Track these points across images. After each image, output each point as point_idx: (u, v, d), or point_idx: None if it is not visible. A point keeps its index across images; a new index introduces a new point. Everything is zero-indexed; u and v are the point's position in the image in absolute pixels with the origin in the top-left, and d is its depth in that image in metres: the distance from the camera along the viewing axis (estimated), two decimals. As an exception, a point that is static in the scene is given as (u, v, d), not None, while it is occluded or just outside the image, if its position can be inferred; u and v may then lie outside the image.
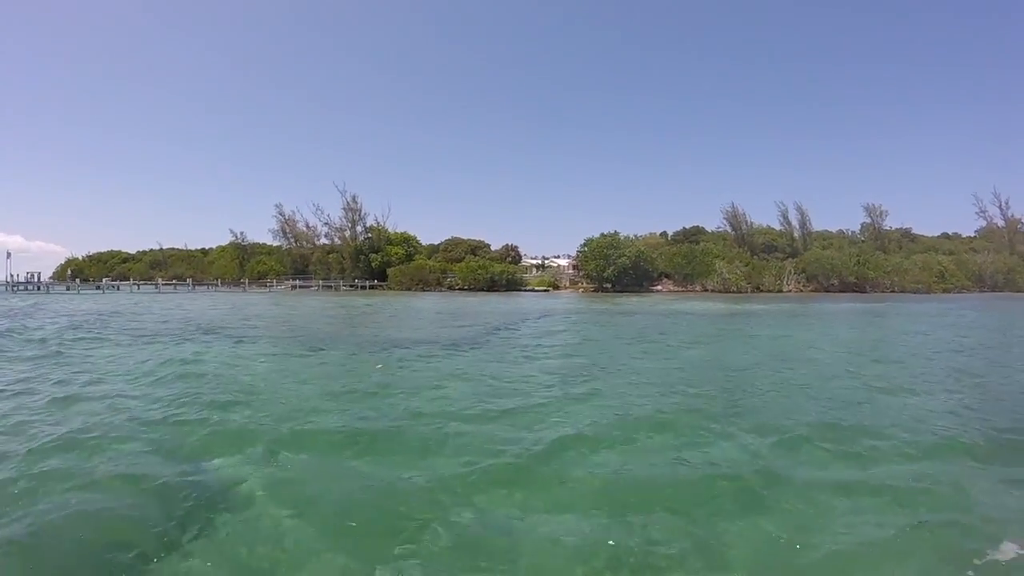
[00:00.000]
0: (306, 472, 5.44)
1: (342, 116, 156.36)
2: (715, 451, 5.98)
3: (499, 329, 19.49)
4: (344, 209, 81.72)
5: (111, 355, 12.72)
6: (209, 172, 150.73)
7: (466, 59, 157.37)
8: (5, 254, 69.49)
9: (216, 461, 5.70)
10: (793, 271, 70.20)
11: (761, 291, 65.93)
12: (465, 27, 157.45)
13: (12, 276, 63.14)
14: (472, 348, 14.10)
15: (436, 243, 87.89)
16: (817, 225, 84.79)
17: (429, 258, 79.97)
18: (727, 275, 67.05)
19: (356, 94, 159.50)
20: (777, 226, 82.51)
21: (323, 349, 14.09)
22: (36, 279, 66.48)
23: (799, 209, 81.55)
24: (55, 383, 9.40)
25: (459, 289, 69.97)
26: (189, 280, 76.89)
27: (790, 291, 66.87)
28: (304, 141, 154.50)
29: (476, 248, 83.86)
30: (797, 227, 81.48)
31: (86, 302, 37.97)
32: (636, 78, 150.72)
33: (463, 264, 74.70)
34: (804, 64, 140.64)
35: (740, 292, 64.19)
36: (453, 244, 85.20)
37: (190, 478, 5.23)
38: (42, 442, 6.15)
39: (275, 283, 75.99)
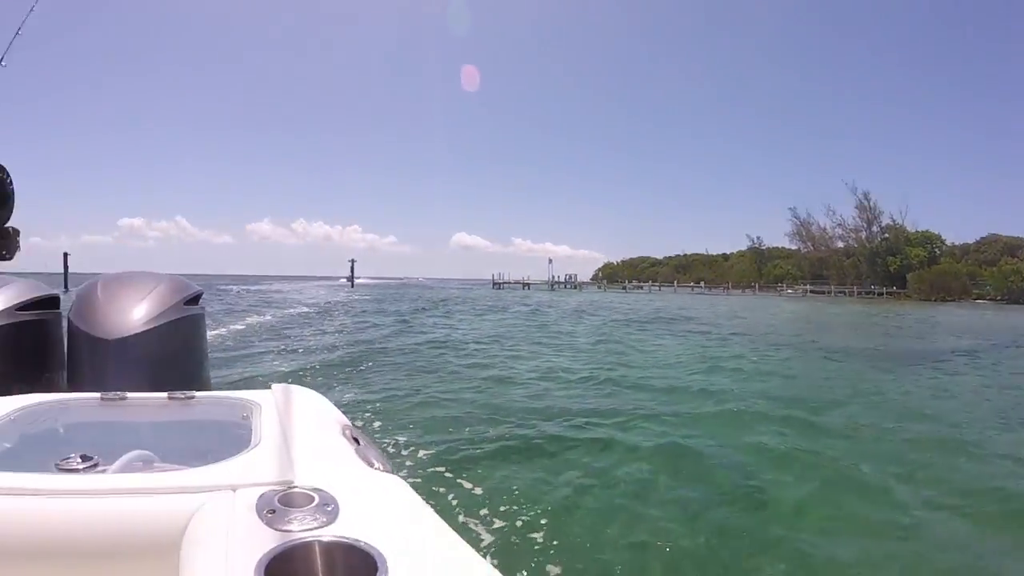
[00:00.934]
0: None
1: (848, 102, 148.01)
2: None
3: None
4: (856, 208, 78.63)
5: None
6: (725, 177, 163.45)
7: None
8: (547, 260, 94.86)
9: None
10: None
11: None
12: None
13: (553, 277, 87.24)
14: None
15: (968, 242, 75.41)
16: None
17: (958, 261, 69.22)
18: None
19: (869, 76, 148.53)
20: None
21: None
22: (573, 279, 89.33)
23: None
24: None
25: (990, 300, 59.55)
26: (702, 283, 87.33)
27: None
28: (815, 133, 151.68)
29: (1016, 247, 67.74)
30: None
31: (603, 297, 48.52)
32: None
33: (995, 269, 63.34)
34: None
35: None
36: (987, 243, 72.75)
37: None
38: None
39: (785, 287, 78.95)
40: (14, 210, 1.80)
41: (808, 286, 77.12)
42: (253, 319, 19.55)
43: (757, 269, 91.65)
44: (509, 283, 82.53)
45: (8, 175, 1.75)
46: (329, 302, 32.65)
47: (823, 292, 73.73)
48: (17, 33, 2.46)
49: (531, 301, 40.49)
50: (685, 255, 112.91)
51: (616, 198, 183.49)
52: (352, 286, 70.81)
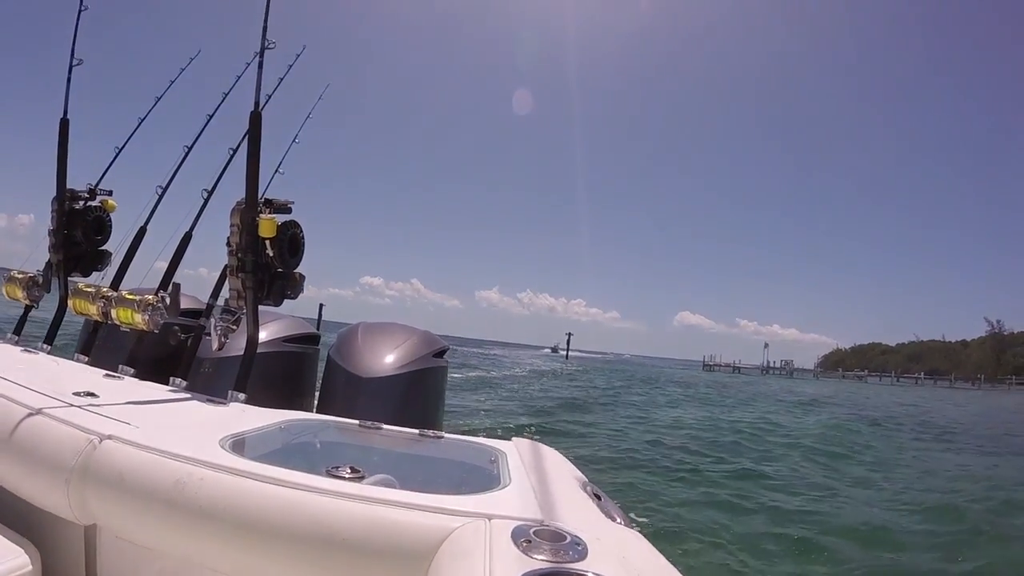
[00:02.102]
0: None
1: None
2: None
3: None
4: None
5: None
6: (959, 255, 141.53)
7: None
8: (763, 344, 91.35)
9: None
10: None
11: None
12: None
13: (769, 362, 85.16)
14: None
15: None
16: None
17: None
18: None
19: None
20: None
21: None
22: (787, 365, 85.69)
23: None
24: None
25: None
26: (921, 373, 78.39)
27: None
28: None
29: None
30: None
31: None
32: None
33: None
34: None
35: None
36: None
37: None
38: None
39: (1014, 380, 67.38)
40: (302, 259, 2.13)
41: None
42: (474, 374, 22.92)
43: (995, 358, 78.95)
44: (720, 366, 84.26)
45: (301, 229, 2.08)
46: (544, 370, 34.44)
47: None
48: (294, 141, 2.92)
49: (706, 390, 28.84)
50: (920, 342, 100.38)
51: (848, 280, 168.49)
52: (567, 358, 74.80)
